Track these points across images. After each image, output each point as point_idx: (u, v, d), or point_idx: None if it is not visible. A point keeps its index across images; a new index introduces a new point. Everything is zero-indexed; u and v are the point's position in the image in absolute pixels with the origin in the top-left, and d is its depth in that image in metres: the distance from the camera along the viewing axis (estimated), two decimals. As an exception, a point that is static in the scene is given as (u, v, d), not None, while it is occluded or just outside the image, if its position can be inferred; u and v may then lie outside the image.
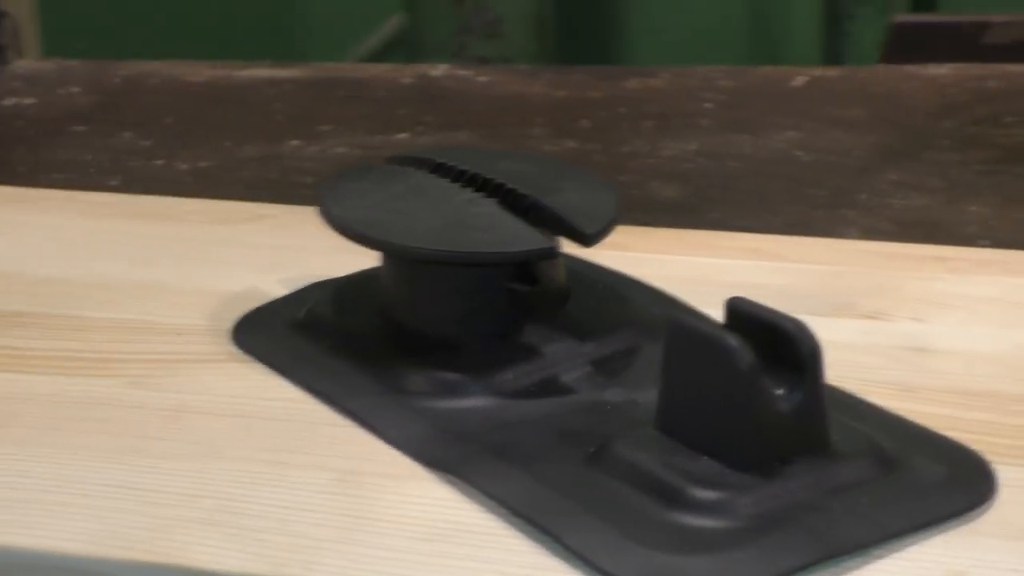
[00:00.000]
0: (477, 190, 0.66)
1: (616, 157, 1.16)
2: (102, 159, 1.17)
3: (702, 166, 1.13)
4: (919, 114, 1.24)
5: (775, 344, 0.57)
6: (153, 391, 0.66)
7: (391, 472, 0.59)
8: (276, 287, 0.75)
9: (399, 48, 1.86)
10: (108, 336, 0.71)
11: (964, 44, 1.38)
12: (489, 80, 1.37)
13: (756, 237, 0.82)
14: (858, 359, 0.67)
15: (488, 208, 0.65)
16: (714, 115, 1.25)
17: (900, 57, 1.36)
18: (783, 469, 0.55)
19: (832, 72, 1.36)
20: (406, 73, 1.40)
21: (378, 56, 1.84)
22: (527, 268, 0.66)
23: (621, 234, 0.82)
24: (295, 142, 1.20)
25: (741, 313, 0.58)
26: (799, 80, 1.33)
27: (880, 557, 0.53)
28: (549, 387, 0.63)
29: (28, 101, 1.34)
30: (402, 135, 1.23)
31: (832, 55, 1.98)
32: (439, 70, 1.40)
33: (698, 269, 0.78)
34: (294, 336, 0.69)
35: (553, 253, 0.63)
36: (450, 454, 0.59)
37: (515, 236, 0.63)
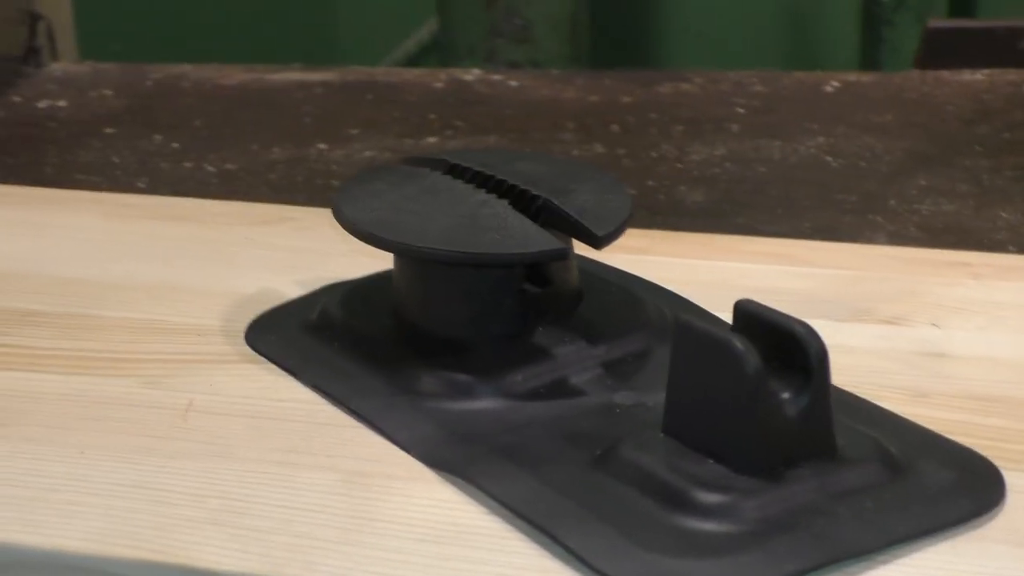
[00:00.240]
0: (490, 191, 0.66)
1: (644, 162, 1.15)
2: (130, 161, 1.18)
3: (730, 171, 1.13)
4: (952, 120, 1.23)
5: (783, 347, 0.56)
6: (165, 391, 0.66)
7: (397, 473, 0.59)
8: (293, 289, 0.75)
9: (434, 53, 1.86)
10: (123, 336, 0.71)
11: (999, 49, 1.36)
12: (521, 84, 1.37)
13: (780, 242, 0.82)
14: (874, 364, 0.67)
15: (500, 209, 0.65)
16: (745, 120, 1.24)
17: (934, 63, 1.35)
18: (789, 473, 0.55)
19: (865, 78, 1.35)
20: (438, 77, 1.40)
21: (413, 61, 1.84)
22: (539, 269, 0.66)
23: (644, 238, 0.83)
24: (322, 145, 1.21)
25: (749, 315, 0.57)
26: (831, 85, 1.33)
27: (885, 562, 0.53)
28: (559, 389, 0.63)
29: (61, 103, 1.34)
30: (431, 139, 1.23)
31: (870, 61, 1.96)
32: (471, 74, 1.40)
33: (720, 273, 0.77)
34: (306, 337, 0.69)
35: (564, 254, 0.63)
36: (457, 456, 0.59)
37: (526, 237, 0.63)
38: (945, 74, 1.33)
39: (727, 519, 0.53)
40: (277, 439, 0.62)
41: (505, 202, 0.65)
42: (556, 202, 0.65)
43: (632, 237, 0.82)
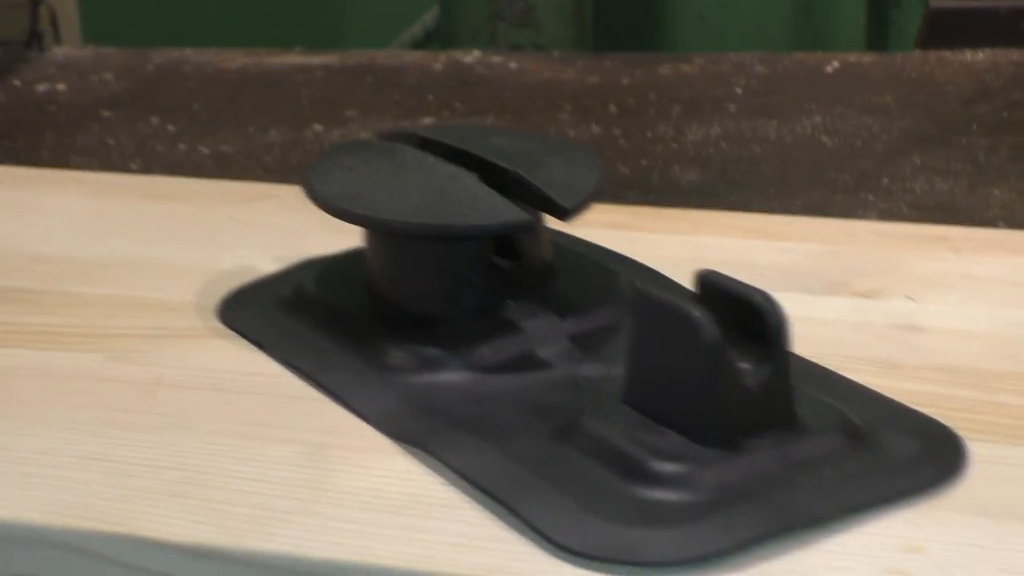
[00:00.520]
0: (461, 165, 0.66)
1: (639, 142, 1.15)
2: (126, 144, 1.18)
3: (725, 151, 1.13)
4: (952, 100, 1.23)
5: (744, 318, 0.56)
6: (134, 365, 0.66)
7: (359, 445, 0.59)
8: (271, 265, 0.75)
9: (439, 38, 1.85)
10: (98, 312, 0.71)
11: (1002, 29, 1.36)
12: (521, 67, 1.37)
13: (761, 217, 0.81)
14: (846, 337, 0.66)
15: (469, 183, 0.64)
16: (743, 101, 1.24)
17: (937, 43, 1.34)
18: (748, 443, 0.54)
19: (867, 58, 1.35)
20: (438, 60, 1.40)
21: (419, 45, 1.84)
22: (510, 243, 0.65)
23: (627, 214, 0.82)
24: (318, 127, 1.21)
25: (711, 286, 0.57)
26: (832, 66, 1.32)
27: (840, 531, 0.52)
28: (525, 362, 0.63)
29: (61, 87, 1.35)
30: (428, 120, 1.23)
31: (877, 43, 1.95)
32: (472, 57, 1.39)
33: (700, 249, 0.77)
34: (279, 313, 0.69)
35: (529, 226, 0.62)
36: (419, 428, 0.59)
37: (492, 210, 0.62)
38: (947, 54, 1.32)
39: (684, 489, 0.53)
40: (242, 412, 0.62)
41: (474, 176, 0.65)
42: (525, 175, 0.65)
43: (615, 213, 0.82)
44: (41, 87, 1.35)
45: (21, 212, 0.84)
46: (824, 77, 1.30)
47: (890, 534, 0.52)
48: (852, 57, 1.35)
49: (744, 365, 0.55)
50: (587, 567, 0.51)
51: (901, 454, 0.56)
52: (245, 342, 0.68)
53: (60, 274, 0.75)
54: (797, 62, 1.34)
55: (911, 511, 0.54)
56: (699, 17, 2.03)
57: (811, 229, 0.79)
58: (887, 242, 0.77)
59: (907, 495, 0.54)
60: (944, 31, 1.36)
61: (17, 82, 1.38)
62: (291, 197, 0.85)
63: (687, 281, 0.69)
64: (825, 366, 0.63)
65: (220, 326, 0.69)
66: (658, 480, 0.53)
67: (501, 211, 0.62)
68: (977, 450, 0.57)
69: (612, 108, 1.24)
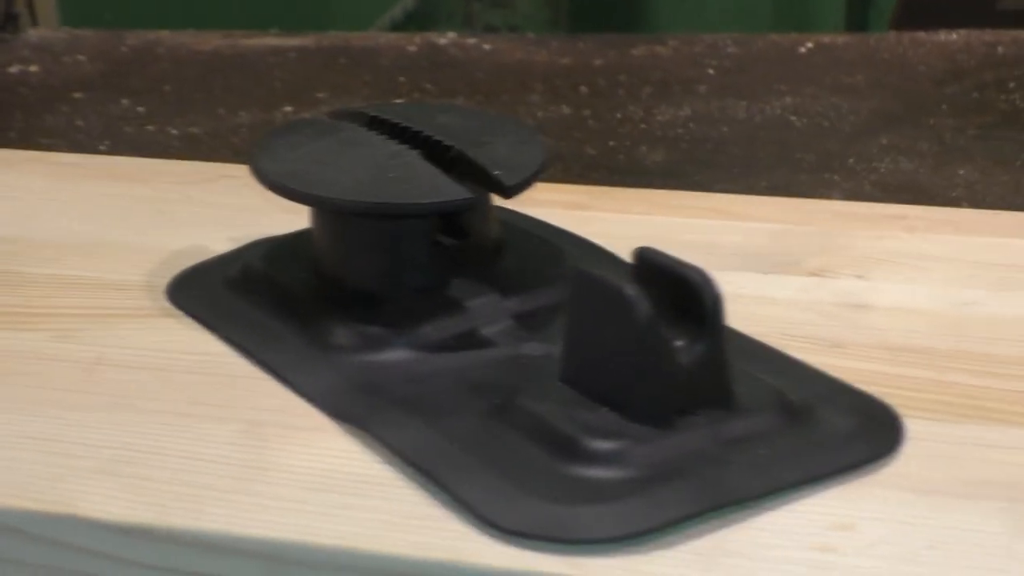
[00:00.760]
0: (404, 143, 0.66)
1: (608, 123, 1.15)
2: (94, 125, 1.18)
3: (693, 131, 1.12)
4: (924, 80, 1.22)
5: (681, 295, 0.55)
6: (77, 344, 0.65)
7: (298, 424, 0.59)
8: (224, 245, 0.75)
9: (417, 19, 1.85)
10: (44, 291, 0.71)
11: (977, 10, 1.35)
12: (494, 48, 1.36)
13: (718, 197, 0.81)
14: (793, 315, 0.66)
15: (411, 160, 0.64)
16: (714, 81, 1.24)
17: (912, 24, 1.34)
18: (682, 421, 0.54)
19: (841, 39, 1.34)
20: (413, 41, 1.39)
21: (399, 27, 1.84)
22: (455, 221, 0.65)
23: (584, 194, 0.82)
24: (288, 108, 1.20)
25: (648, 264, 0.57)
26: (806, 47, 1.32)
27: (771, 508, 0.52)
28: (468, 341, 0.62)
29: (33, 69, 1.34)
30: (399, 102, 1.22)
31: (857, 23, 1.95)
32: (446, 38, 1.39)
33: (656, 228, 0.77)
34: (226, 292, 0.68)
35: (468, 204, 0.62)
36: (358, 406, 0.59)
37: (432, 187, 0.62)
38: (921, 35, 1.32)
39: (616, 466, 0.53)
40: (183, 391, 0.61)
41: (417, 153, 0.65)
42: (469, 153, 0.64)
43: (573, 193, 0.82)
44: (13, 69, 1.35)
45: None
46: (797, 58, 1.29)
47: (821, 511, 0.52)
48: (826, 38, 1.34)
49: (679, 343, 0.55)
50: (517, 544, 0.51)
51: (836, 431, 0.56)
52: (192, 321, 0.67)
53: (9, 253, 0.75)
54: (771, 43, 1.34)
55: (843, 488, 0.53)
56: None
57: (767, 209, 0.79)
58: (842, 221, 0.76)
59: (840, 472, 0.54)
60: (919, 11, 1.35)
61: (-10, 64, 1.37)
62: (249, 177, 0.85)
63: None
64: (770, 344, 0.63)
65: (168, 305, 0.69)
66: (590, 457, 0.53)
67: (442, 189, 0.62)
68: (914, 427, 0.57)
69: (583, 89, 1.23)
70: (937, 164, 1.03)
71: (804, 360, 0.61)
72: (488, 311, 0.64)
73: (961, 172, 1.01)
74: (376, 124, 0.68)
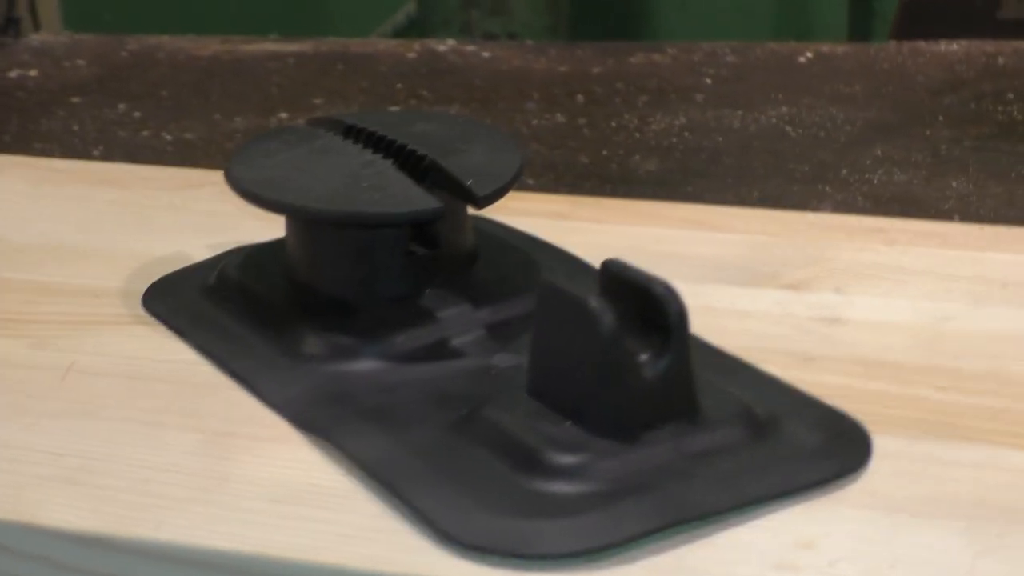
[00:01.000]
0: (378, 152, 0.65)
1: (603, 131, 1.15)
2: (89, 130, 1.18)
3: (687, 141, 1.12)
4: (921, 90, 1.22)
5: (647, 307, 0.55)
6: (51, 351, 0.65)
7: (263, 434, 0.58)
8: (204, 252, 0.74)
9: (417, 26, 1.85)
10: (22, 297, 0.71)
11: (977, 20, 1.34)
12: (493, 55, 1.36)
13: (701, 208, 0.81)
14: (767, 329, 0.66)
15: (384, 169, 0.64)
16: (711, 90, 1.23)
17: (912, 34, 1.33)
18: (646, 435, 0.54)
19: (840, 48, 1.34)
20: (412, 48, 1.39)
21: (401, 33, 1.84)
22: (427, 230, 0.65)
23: (566, 203, 0.82)
24: (284, 115, 1.20)
25: (613, 276, 0.56)
26: (805, 56, 1.31)
27: (734, 524, 0.52)
28: (438, 351, 0.62)
29: (32, 73, 1.35)
30: (394, 108, 1.22)
31: (860, 33, 1.94)
32: (446, 45, 1.39)
33: (636, 239, 0.76)
34: (201, 300, 0.68)
35: (438, 214, 0.62)
36: (324, 417, 0.58)
37: (403, 197, 0.62)
38: (922, 44, 1.32)
39: (578, 480, 0.53)
40: (151, 399, 0.61)
41: (390, 162, 0.64)
42: (441, 162, 0.64)
43: (555, 203, 0.82)
44: (12, 73, 1.35)
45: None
46: (796, 67, 1.29)
47: (784, 528, 0.52)
48: (826, 47, 1.34)
49: (643, 356, 0.54)
50: (474, 559, 0.51)
51: (802, 447, 0.55)
52: (165, 329, 0.67)
53: (-13, 259, 0.75)
54: (770, 52, 1.33)
55: (808, 505, 0.53)
56: (680, 5, 2.01)
57: (748, 221, 0.78)
58: (822, 234, 0.76)
59: (805, 488, 0.53)
60: (918, 21, 1.35)
61: (-11, 68, 1.38)
62: (233, 184, 0.85)
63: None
64: (741, 358, 0.62)
65: (143, 313, 0.69)
66: (552, 471, 0.53)
67: (413, 199, 0.62)
68: (883, 443, 0.56)
69: (580, 97, 1.23)
70: (930, 176, 1.03)
71: (775, 374, 0.61)
72: (459, 321, 0.63)
73: (954, 184, 1.00)
74: (352, 133, 0.68)
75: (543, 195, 0.83)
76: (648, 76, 1.28)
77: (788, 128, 1.13)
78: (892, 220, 0.78)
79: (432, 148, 0.65)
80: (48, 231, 0.78)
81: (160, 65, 1.36)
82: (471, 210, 0.66)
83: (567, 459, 0.53)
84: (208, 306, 0.68)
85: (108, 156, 1.11)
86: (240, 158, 0.67)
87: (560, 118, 1.18)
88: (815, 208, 0.96)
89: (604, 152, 1.10)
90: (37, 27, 1.55)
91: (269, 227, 0.73)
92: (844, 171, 1.04)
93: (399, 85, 1.28)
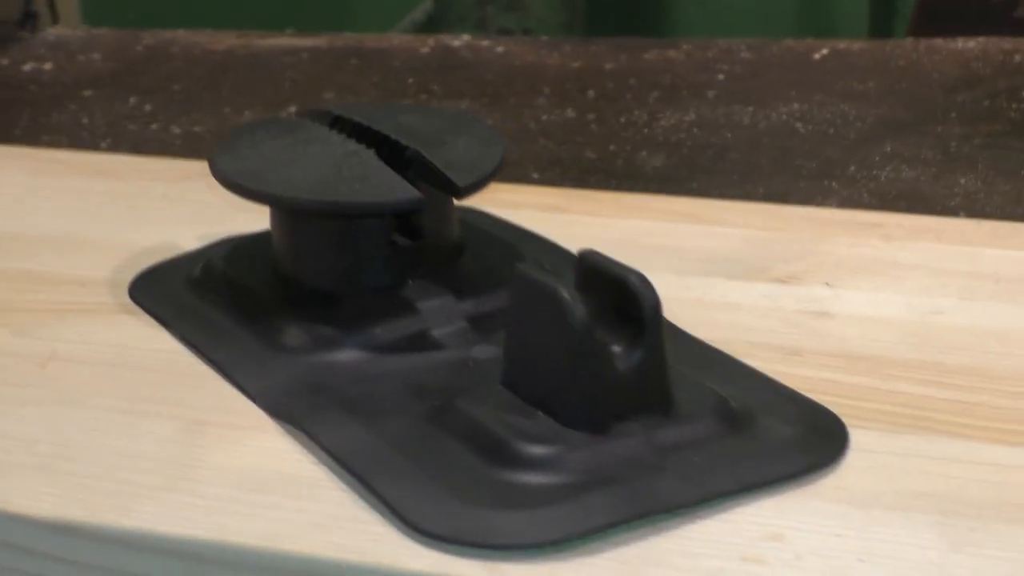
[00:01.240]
0: (362, 142, 0.65)
1: (611, 127, 1.14)
2: (99, 123, 1.18)
3: (696, 137, 1.11)
4: (936, 87, 1.21)
5: (623, 299, 0.55)
6: (34, 339, 0.65)
7: (239, 423, 0.58)
8: (194, 243, 0.74)
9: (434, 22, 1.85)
10: (9, 286, 0.71)
11: (995, 18, 1.33)
12: (507, 50, 1.36)
13: (697, 201, 0.80)
14: (753, 322, 0.65)
15: (366, 159, 0.64)
16: (723, 87, 1.22)
17: (929, 31, 1.32)
18: (618, 427, 0.53)
19: (857, 45, 1.33)
20: (426, 43, 1.39)
21: (422, 29, 1.83)
22: (410, 221, 0.65)
23: (561, 196, 0.81)
24: (294, 108, 1.20)
25: (589, 267, 0.56)
26: (821, 53, 1.30)
27: (703, 517, 0.51)
28: (418, 343, 0.62)
29: (46, 67, 1.35)
30: (404, 103, 1.22)
31: (881, 29, 1.93)
32: (460, 40, 1.39)
33: (628, 232, 0.76)
34: (186, 290, 0.68)
35: (418, 205, 0.61)
36: (300, 406, 0.58)
37: (383, 188, 0.62)
38: (939, 42, 1.30)
39: (547, 472, 0.52)
40: (130, 388, 0.61)
41: (372, 152, 0.64)
42: (424, 153, 0.64)
43: (549, 195, 0.82)
44: (27, 67, 1.35)
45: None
46: (810, 64, 1.28)
47: (753, 521, 0.51)
48: (842, 44, 1.33)
49: (616, 348, 0.54)
50: (438, 549, 0.50)
51: (777, 440, 0.55)
52: (150, 319, 0.67)
53: (-23, 248, 0.75)
54: (785, 49, 1.32)
55: (780, 498, 0.52)
56: (700, 3, 2.00)
57: (745, 215, 0.78)
58: (818, 228, 0.75)
59: (776, 482, 0.53)
60: (936, 19, 1.33)
61: (5, 61, 1.38)
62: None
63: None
64: (725, 351, 0.62)
65: (129, 303, 0.69)
66: (521, 462, 0.53)
67: (393, 189, 0.62)
68: (859, 438, 0.56)
69: (591, 93, 1.22)
70: (939, 173, 1.02)
71: (758, 367, 0.61)
72: (441, 313, 0.63)
73: (962, 181, 0.99)
74: (338, 123, 0.68)
75: (538, 188, 0.83)
76: (661, 72, 1.27)
77: (798, 125, 1.12)
78: (890, 215, 0.77)
79: (416, 139, 0.65)
80: (42, 222, 0.78)
81: (174, 59, 1.36)
82: (458, 202, 0.66)
83: (537, 450, 0.53)
84: (192, 297, 0.68)
85: (115, 149, 1.11)
86: (225, 149, 0.67)
87: (570, 113, 1.17)
88: (819, 204, 0.95)
89: (611, 147, 1.09)
90: (56, 22, 1.55)
91: (261, 219, 0.72)
92: (852, 168, 1.03)
93: (411, 80, 1.27)
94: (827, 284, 0.68)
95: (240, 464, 0.55)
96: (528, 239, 0.72)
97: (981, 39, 1.29)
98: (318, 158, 0.64)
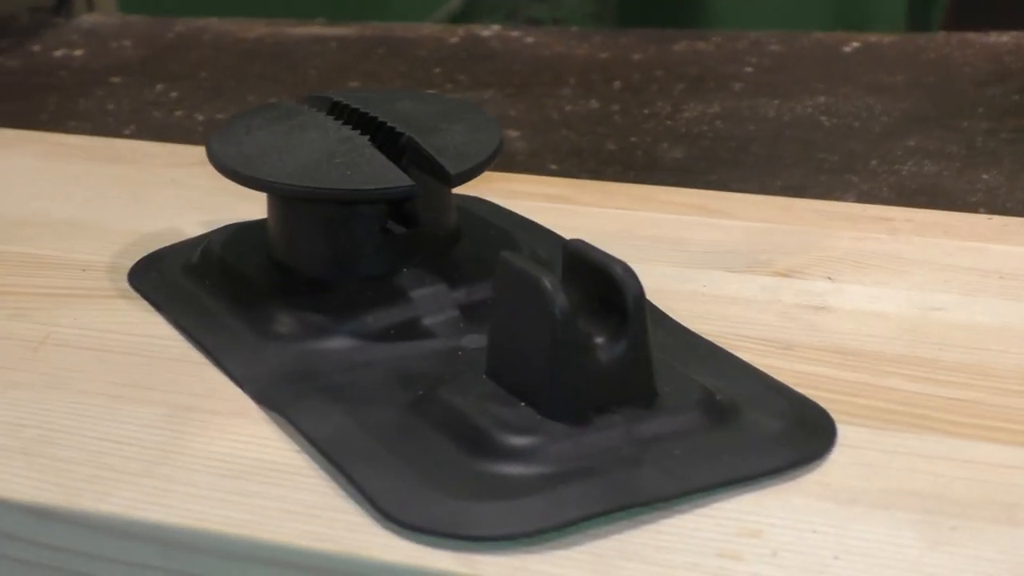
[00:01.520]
0: (356, 128, 0.65)
1: (634, 118, 1.13)
2: (124, 109, 1.18)
3: (719, 129, 1.10)
4: (965, 81, 1.19)
5: (608, 289, 0.54)
6: (29, 322, 0.65)
7: (224, 410, 0.58)
8: (198, 229, 0.74)
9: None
10: (9, 269, 0.71)
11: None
12: (536, 41, 1.35)
13: (706, 193, 0.79)
14: (749, 315, 0.65)
15: (359, 145, 0.63)
16: (750, 79, 1.22)
17: (962, 24, 1.31)
18: (599, 418, 0.53)
19: (888, 39, 1.31)
20: (456, 33, 1.38)
21: (457, 19, 1.83)
22: (404, 209, 0.64)
23: (568, 187, 0.81)
24: (313, 97, 1.20)
25: (575, 256, 0.55)
26: (851, 46, 1.29)
27: (682, 511, 0.51)
28: (407, 331, 0.61)
29: (77, 53, 1.35)
30: (407, 90, 1.21)
31: (919, 22, 1.91)
32: (490, 30, 1.38)
33: (632, 223, 0.75)
34: (183, 276, 0.68)
35: (411, 193, 0.61)
36: (285, 394, 0.58)
37: (374, 174, 0.61)
38: (971, 36, 1.29)
39: (526, 462, 0.52)
40: (119, 373, 0.61)
41: (367, 139, 0.64)
42: (418, 140, 0.63)
43: (555, 186, 0.81)
44: (59, 52, 1.36)
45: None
46: (840, 57, 1.27)
47: (731, 516, 0.51)
48: (874, 37, 1.32)
49: (599, 339, 0.53)
50: (412, 539, 0.50)
51: (761, 435, 0.54)
52: (146, 304, 0.67)
53: (-17, 231, 0.75)
54: (815, 41, 1.31)
55: (760, 493, 0.52)
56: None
57: (753, 207, 0.77)
58: (824, 221, 0.74)
59: (758, 477, 0.52)
60: (970, 12, 1.32)
61: (37, 47, 1.39)
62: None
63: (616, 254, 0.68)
64: (718, 344, 0.61)
65: (127, 288, 0.69)
66: (500, 453, 0.52)
67: (384, 175, 0.61)
68: (848, 434, 0.55)
69: (617, 84, 1.22)
70: (962, 168, 1.00)
71: (750, 361, 0.60)
72: (433, 302, 0.63)
73: (985, 176, 0.98)
74: (336, 109, 0.67)
75: (546, 178, 0.82)
76: (689, 64, 1.26)
77: (823, 118, 1.11)
78: (900, 209, 0.76)
79: (411, 126, 0.64)
80: (48, 206, 0.78)
81: (203, 47, 1.36)
82: (458, 190, 0.65)
83: (515, 441, 0.52)
84: (188, 282, 0.67)
85: (138, 135, 1.12)
86: (221, 134, 0.66)
87: (594, 104, 1.17)
88: (837, 198, 0.94)
89: (632, 139, 1.08)
90: (91, 9, 1.55)
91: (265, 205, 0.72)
92: (873, 162, 1.02)
93: (437, 70, 1.27)
94: (829, 278, 0.68)
95: (222, 451, 0.55)
96: (528, 228, 0.71)
97: (1015, 33, 1.28)
98: (312, 144, 0.64)
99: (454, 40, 1.36)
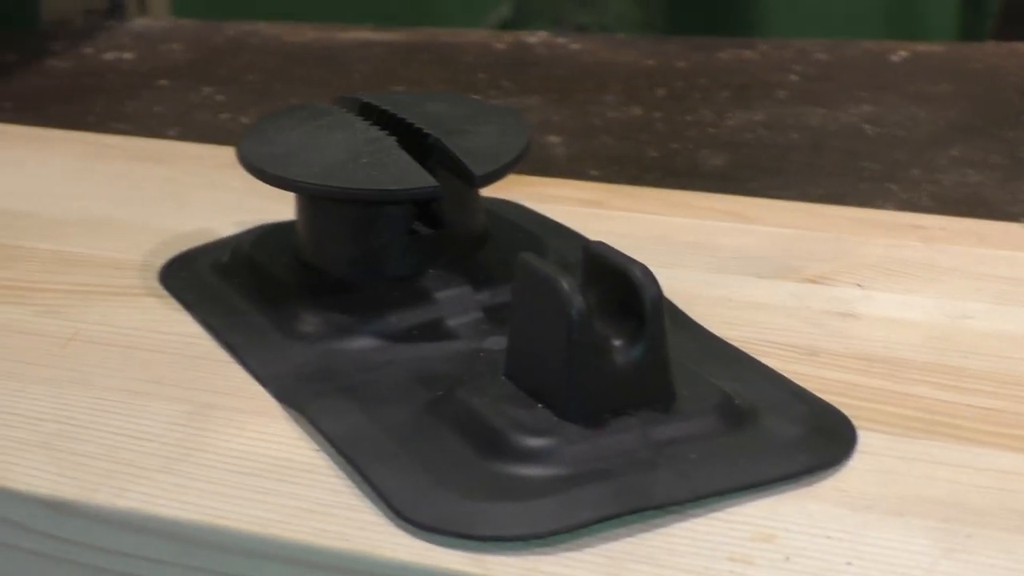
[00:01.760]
0: (384, 129, 0.65)
1: (676, 126, 1.13)
2: (169, 112, 1.19)
3: (762, 137, 1.10)
4: (1011, 91, 1.18)
5: (627, 291, 0.54)
6: (57, 319, 0.66)
7: (246, 408, 0.58)
8: (233, 229, 0.75)
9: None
10: (41, 267, 0.71)
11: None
12: (582, 48, 1.35)
13: (741, 200, 0.79)
14: (777, 321, 0.64)
15: (387, 146, 0.63)
16: (796, 87, 1.21)
17: (1012, 34, 1.30)
18: (615, 421, 0.53)
19: (936, 48, 1.30)
20: (502, 39, 1.38)
21: (508, 26, 1.83)
22: (431, 210, 0.64)
23: (602, 191, 0.81)
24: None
25: (595, 258, 0.55)
26: (899, 55, 1.28)
27: (695, 515, 0.50)
28: (431, 332, 0.61)
29: (127, 56, 1.36)
30: (440, 92, 1.21)
31: (973, 31, 1.90)
32: (536, 37, 1.38)
33: (664, 228, 0.75)
34: (213, 275, 0.68)
35: (435, 194, 0.61)
36: (307, 392, 0.58)
37: (399, 174, 0.61)
38: (1020, 45, 1.28)
39: (540, 464, 0.52)
40: (144, 370, 0.61)
41: (394, 140, 0.64)
42: (444, 141, 0.63)
43: (589, 191, 0.81)
44: (109, 55, 1.37)
45: (3, 169, 0.85)
46: (886, 66, 1.26)
47: (744, 521, 0.50)
48: (922, 46, 1.31)
49: (616, 341, 0.53)
50: (423, 538, 0.50)
51: (779, 440, 0.53)
52: (176, 303, 0.67)
53: (15, 228, 0.75)
54: (863, 50, 1.30)
55: (775, 498, 0.51)
56: (790, 6, 1.97)
57: (787, 214, 0.77)
58: (857, 228, 0.74)
59: (774, 481, 0.52)
60: (1018, 21, 1.31)
61: (89, 50, 1.40)
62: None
63: (646, 260, 0.68)
64: (742, 349, 0.61)
65: (158, 286, 0.69)
66: (514, 454, 0.52)
67: (408, 176, 0.61)
68: (870, 440, 0.54)
69: (660, 91, 1.21)
70: (1005, 178, 0.99)
71: (774, 367, 0.59)
72: (458, 303, 0.63)
73: (1027, 187, 0.97)
74: (365, 110, 0.67)
75: (581, 182, 0.82)
76: (734, 72, 1.26)
77: (866, 127, 1.10)
78: (935, 217, 0.75)
79: (438, 127, 0.65)
80: (83, 205, 0.79)
81: (251, 50, 1.37)
82: (487, 192, 0.65)
83: (530, 442, 0.52)
84: (217, 281, 0.68)
85: (183, 137, 1.12)
86: (252, 134, 0.67)
87: (637, 111, 1.16)
88: (877, 207, 0.93)
89: (673, 146, 1.08)
90: (144, 12, 1.57)
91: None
92: (915, 171, 1.01)
93: (482, 75, 1.27)
94: (859, 285, 0.67)
95: (241, 448, 0.55)
96: (556, 232, 0.71)
97: (1065, 44, 1.27)
98: (339, 144, 0.64)
99: (500, 46, 1.36)
